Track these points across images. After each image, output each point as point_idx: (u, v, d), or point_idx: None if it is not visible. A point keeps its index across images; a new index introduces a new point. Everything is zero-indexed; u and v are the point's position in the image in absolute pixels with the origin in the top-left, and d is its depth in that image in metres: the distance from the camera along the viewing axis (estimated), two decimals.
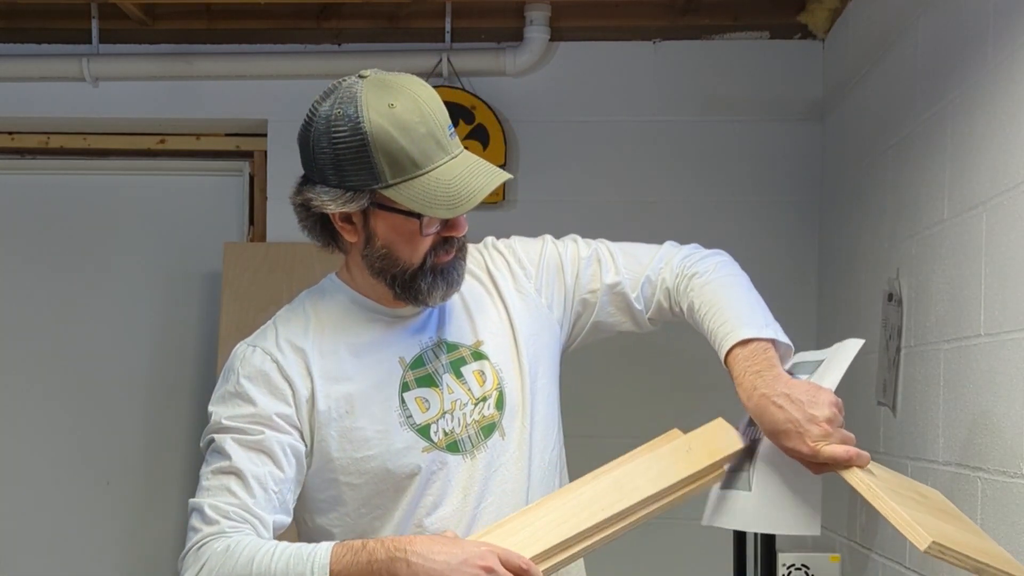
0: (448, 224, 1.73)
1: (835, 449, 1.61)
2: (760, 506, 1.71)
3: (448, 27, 3.66)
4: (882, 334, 2.81)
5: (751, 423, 1.75)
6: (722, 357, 1.76)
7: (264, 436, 1.69)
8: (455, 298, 1.85)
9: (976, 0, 2.31)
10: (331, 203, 1.70)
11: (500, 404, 1.81)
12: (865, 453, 1.64)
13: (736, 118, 3.69)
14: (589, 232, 2.00)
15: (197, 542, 1.63)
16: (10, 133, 3.93)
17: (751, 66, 3.69)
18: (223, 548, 1.61)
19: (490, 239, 1.96)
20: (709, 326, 1.80)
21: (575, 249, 1.93)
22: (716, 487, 1.80)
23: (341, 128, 1.66)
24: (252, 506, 1.65)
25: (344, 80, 1.71)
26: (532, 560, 1.60)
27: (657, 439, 1.82)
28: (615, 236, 1.98)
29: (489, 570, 1.56)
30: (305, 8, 3.65)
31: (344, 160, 1.67)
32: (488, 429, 1.79)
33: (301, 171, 1.77)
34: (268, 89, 3.75)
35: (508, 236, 1.98)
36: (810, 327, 3.60)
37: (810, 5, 3.55)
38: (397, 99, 1.67)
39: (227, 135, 3.92)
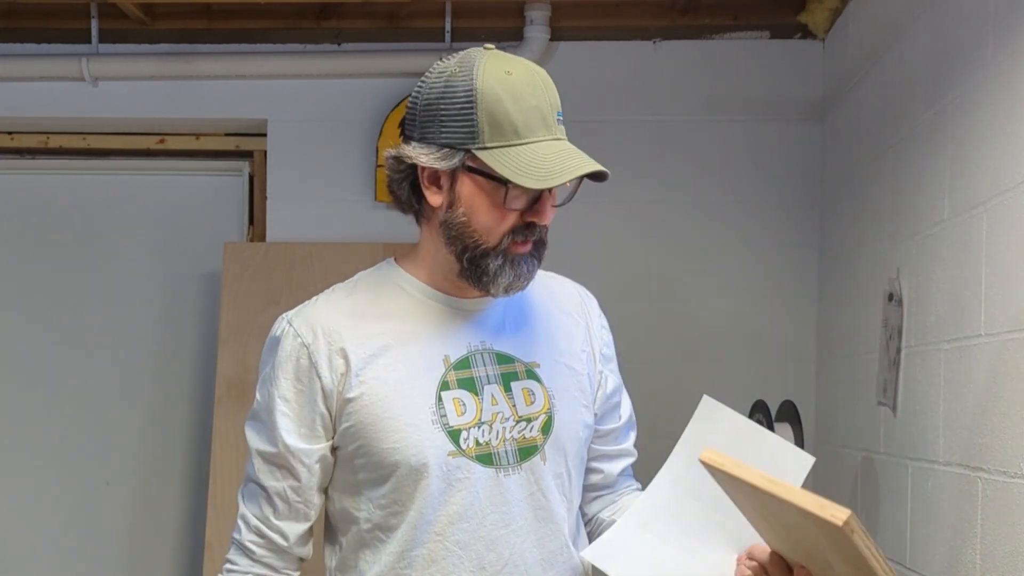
0: (534, 208, 1.68)
1: None
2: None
3: (448, 27, 3.66)
4: (882, 334, 2.81)
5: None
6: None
7: (278, 451, 1.74)
8: (523, 311, 1.80)
9: (976, 0, 2.31)
10: (424, 156, 1.67)
11: (547, 429, 1.75)
12: None
13: (736, 118, 3.69)
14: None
15: (227, 560, 1.80)
16: (10, 133, 3.93)
17: (751, 66, 3.69)
18: None
19: (593, 297, 1.93)
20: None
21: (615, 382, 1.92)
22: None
23: (453, 84, 1.65)
24: (273, 519, 1.77)
25: (469, 49, 1.71)
26: None
27: None
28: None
29: None
30: (305, 8, 3.65)
31: (447, 116, 1.65)
32: (527, 451, 1.73)
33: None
34: (268, 89, 3.74)
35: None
36: (810, 327, 3.59)
37: (810, 5, 3.55)
38: (515, 68, 1.66)
39: (227, 135, 3.91)
